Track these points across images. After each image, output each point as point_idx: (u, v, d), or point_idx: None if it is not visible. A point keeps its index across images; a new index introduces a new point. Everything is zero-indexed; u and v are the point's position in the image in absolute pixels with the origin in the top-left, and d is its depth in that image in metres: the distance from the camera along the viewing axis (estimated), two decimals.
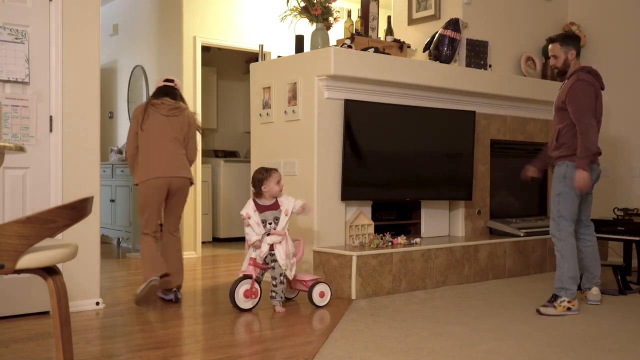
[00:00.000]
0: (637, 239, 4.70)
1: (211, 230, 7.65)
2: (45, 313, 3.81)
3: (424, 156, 5.19)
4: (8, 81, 3.70)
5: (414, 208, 5.48)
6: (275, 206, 4.03)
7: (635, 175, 6.08)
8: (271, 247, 3.95)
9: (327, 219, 4.71)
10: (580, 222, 4.19)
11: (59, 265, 2.40)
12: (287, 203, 4.04)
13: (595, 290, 4.20)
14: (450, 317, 3.81)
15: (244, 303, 3.92)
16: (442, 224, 5.56)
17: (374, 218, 5.06)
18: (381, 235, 4.87)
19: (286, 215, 4.00)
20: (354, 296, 4.34)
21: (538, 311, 3.90)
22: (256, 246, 3.93)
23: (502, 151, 5.97)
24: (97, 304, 3.99)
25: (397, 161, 5.01)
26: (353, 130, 4.73)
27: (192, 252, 6.50)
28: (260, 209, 4.01)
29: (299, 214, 4.11)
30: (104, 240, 7.60)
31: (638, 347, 3.20)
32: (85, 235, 3.90)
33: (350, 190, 4.77)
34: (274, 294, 3.97)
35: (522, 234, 5.50)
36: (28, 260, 2.08)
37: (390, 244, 4.75)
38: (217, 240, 7.69)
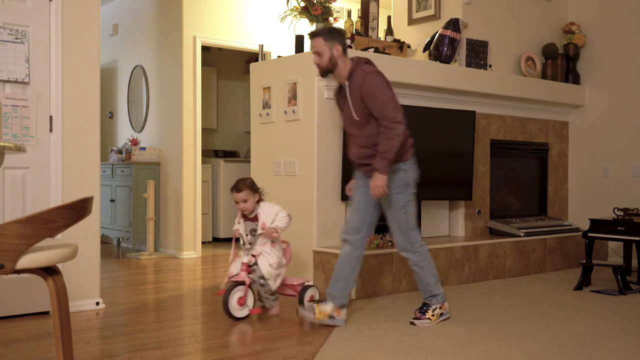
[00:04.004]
0: (637, 239, 4.70)
1: (211, 230, 7.65)
2: (45, 313, 3.81)
3: (424, 156, 5.17)
4: (8, 81, 3.70)
5: None
6: (255, 218, 3.85)
7: (635, 175, 6.08)
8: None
9: (327, 219, 4.71)
10: (371, 228, 3.76)
11: (59, 265, 2.40)
12: (266, 216, 3.82)
13: (330, 308, 3.59)
14: (450, 317, 3.81)
15: (238, 311, 3.72)
16: (442, 224, 5.56)
17: None
18: (381, 235, 4.87)
19: (262, 229, 3.79)
20: (354, 296, 4.33)
21: (412, 323, 3.64)
22: (235, 233, 3.88)
23: (502, 151, 5.97)
24: (97, 304, 3.99)
25: None
26: None
27: (192, 252, 6.50)
28: (245, 218, 3.89)
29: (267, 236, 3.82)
30: (104, 240, 7.60)
31: (638, 347, 3.20)
32: (85, 235, 3.90)
33: None
34: (268, 304, 3.85)
35: (522, 234, 5.50)
36: (28, 260, 2.08)
37: (390, 244, 4.75)
38: (217, 240, 7.69)
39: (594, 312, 3.99)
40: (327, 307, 3.57)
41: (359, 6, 5.57)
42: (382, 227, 5.16)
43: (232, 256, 3.90)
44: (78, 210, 2.18)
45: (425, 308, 3.68)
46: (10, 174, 3.71)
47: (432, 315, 3.65)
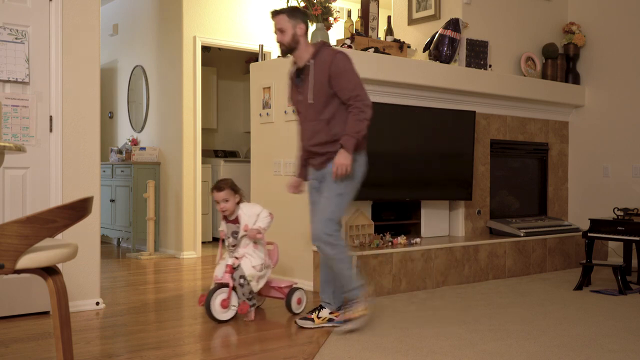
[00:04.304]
0: (637, 239, 4.70)
1: (211, 230, 7.65)
2: (45, 313, 3.81)
3: (424, 156, 5.19)
4: (8, 81, 3.70)
5: (414, 208, 5.48)
6: (236, 220, 3.80)
7: (635, 175, 6.08)
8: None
9: None
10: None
11: (59, 265, 2.40)
12: (248, 217, 3.77)
13: (324, 313, 3.58)
14: (450, 317, 3.81)
15: (221, 314, 3.63)
16: (442, 224, 5.56)
17: (374, 218, 5.05)
18: (381, 235, 4.87)
19: (245, 231, 3.75)
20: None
21: (341, 327, 3.44)
22: (222, 235, 3.81)
23: (502, 151, 5.97)
24: (97, 304, 3.99)
25: (397, 161, 5.00)
26: None
27: (192, 252, 6.50)
28: (226, 220, 3.84)
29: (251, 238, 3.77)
30: (104, 240, 7.60)
31: (638, 347, 3.20)
32: (85, 235, 3.90)
33: None
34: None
35: (522, 234, 5.50)
36: (28, 260, 2.08)
37: (390, 244, 4.75)
38: (217, 240, 7.69)
39: (594, 312, 3.99)
40: (324, 313, 3.58)
41: (359, 6, 5.57)
42: (382, 227, 5.17)
43: (219, 258, 3.88)
44: (78, 210, 2.18)
45: (349, 306, 3.45)
46: (10, 174, 3.71)
47: (358, 311, 3.43)
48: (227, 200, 3.74)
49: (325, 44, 3.49)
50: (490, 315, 3.88)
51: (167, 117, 6.77)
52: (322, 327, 3.52)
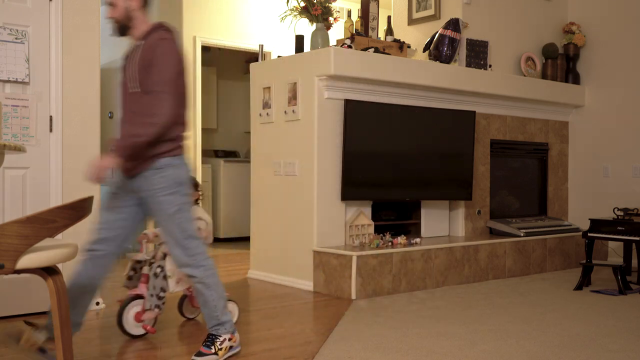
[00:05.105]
0: (637, 239, 4.70)
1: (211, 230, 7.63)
2: (45, 313, 3.81)
3: (424, 156, 5.19)
4: (8, 81, 3.69)
5: (414, 208, 5.48)
6: None
7: (635, 175, 6.08)
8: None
9: (327, 219, 4.71)
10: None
11: (59, 265, 2.40)
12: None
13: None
14: (450, 317, 3.81)
15: (134, 328, 3.30)
16: (442, 224, 5.56)
17: (374, 218, 5.06)
18: (381, 235, 4.87)
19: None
20: (354, 296, 4.33)
21: None
22: (142, 239, 3.43)
23: (502, 151, 5.97)
24: (97, 304, 3.99)
25: (397, 161, 5.01)
26: (353, 130, 4.73)
27: None
28: None
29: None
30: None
31: (638, 347, 3.20)
32: (85, 235, 3.89)
33: (350, 190, 4.76)
34: (148, 304, 3.32)
35: (522, 234, 5.50)
36: (28, 260, 2.08)
37: (390, 244, 4.75)
38: (217, 240, 7.69)
39: (594, 312, 3.99)
40: (224, 343, 2.97)
41: (359, 6, 5.57)
42: (382, 227, 5.17)
43: (134, 261, 3.46)
44: (78, 210, 2.18)
45: (210, 340, 2.94)
46: (10, 174, 3.70)
47: (220, 349, 2.93)
48: None
49: (161, 25, 2.93)
50: (490, 315, 3.88)
51: None
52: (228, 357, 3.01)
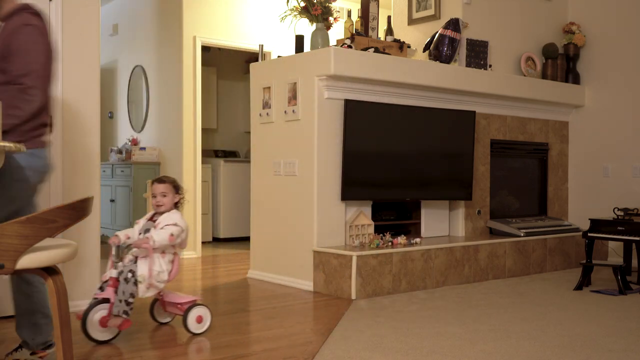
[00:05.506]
0: (637, 239, 4.70)
1: (211, 230, 7.65)
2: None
3: (424, 156, 5.19)
4: None
5: (414, 208, 5.48)
6: (155, 218, 3.41)
7: (635, 175, 6.08)
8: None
9: (327, 219, 4.71)
10: None
11: (59, 265, 2.40)
12: (163, 222, 3.33)
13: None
14: (450, 317, 3.81)
15: (99, 333, 3.18)
16: (442, 224, 5.56)
17: (374, 218, 5.06)
18: (381, 235, 4.87)
19: (155, 227, 3.32)
20: (354, 296, 4.34)
21: None
22: (113, 242, 3.28)
23: (502, 151, 5.97)
24: None
25: (397, 161, 5.01)
26: (353, 130, 4.73)
27: (192, 252, 6.50)
28: (151, 218, 3.43)
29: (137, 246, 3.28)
30: (104, 241, 7.59)
31: (638, 347, 3.20)
32: (85, 235, 3.89)
33: (350, 190, 4.76)
34: (116, 310, 3.18)
35: (522, 234, 5.50)
36: (28, 260, 2.08)
37: (390, 244, 4.75)
38: (217, 240, 7.69)
39: (594, 312, 3.99)
40: (24, 355, 2.83)
41: (359, 6, 5.57)
42: (382, 227, 5.17)
43: (109, 267, 3.31)
44: (78, 210, 2.18)
45: (47, 347, 2.80)
46: None
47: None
48: (165, 195, 3.37)
49: (27, 7, 2.69)
50: (490, 315, 3.88)
51: (167, 117, 6.77)
52: None
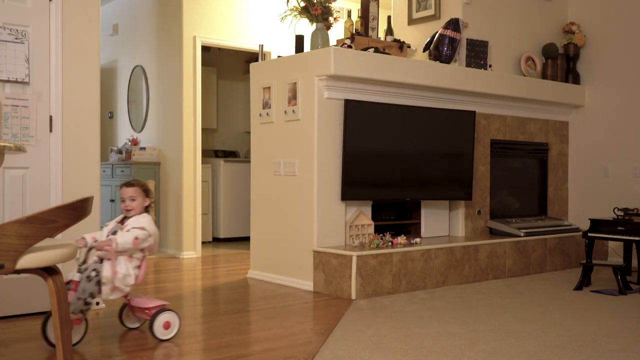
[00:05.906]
0: (637, 239, 4.70)
1: (211, 230, 7.65)
2: (45, 313, 3.81)
3: (424, 156, 5.19)
4: (8, 81, 3.70)
5: (414, 208, 5.48)
6: (124, 221, 3.33)
7: (635, 175, 6.07)
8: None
9: (327, 219, 4.71)
10: None
11: (59, 265, 2.40)
12: (132, 224, 3.24)
13: None
14: (450, 317, 3.81)
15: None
16: (442, 224, 5.56)
17: (374, 218, 5.06)
18: (381, 235, 4.87)
19: (122, 230, 3.23)
20: (354, 296, 4.34)
21: None
22: (79, 243, 3.15)
23: (502, 151, 5.97)
24: (97, 304, 3.99)
25: (397, 161, 5.01)
26: (353, 130, 4.73)
27: (192, 252, 6.50)
28: (120, 220, 3.35)
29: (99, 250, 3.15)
30: None
31: (638, 347, 3.20)
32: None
33: (350, 190, 4.76)
34: (72, 307, 3.03)
35: (522, 234, 5.50)
36: (28, 260, 2.08)
37: (390, 244, 4.75)
38: (217, 240, 7.69)
39: (594, 312, 3.99)
40: None
41: (359, 6, 5.57)
42: (382, 227, 5.17)
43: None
44: (78, 210, 2.18)
45: None
46: (10, 174, 3.71)
47: None
48: (134, 199, 3.29)
49: None
50: (490, 315, 3.88)
51: (167, 117, 6.77)
52: None
